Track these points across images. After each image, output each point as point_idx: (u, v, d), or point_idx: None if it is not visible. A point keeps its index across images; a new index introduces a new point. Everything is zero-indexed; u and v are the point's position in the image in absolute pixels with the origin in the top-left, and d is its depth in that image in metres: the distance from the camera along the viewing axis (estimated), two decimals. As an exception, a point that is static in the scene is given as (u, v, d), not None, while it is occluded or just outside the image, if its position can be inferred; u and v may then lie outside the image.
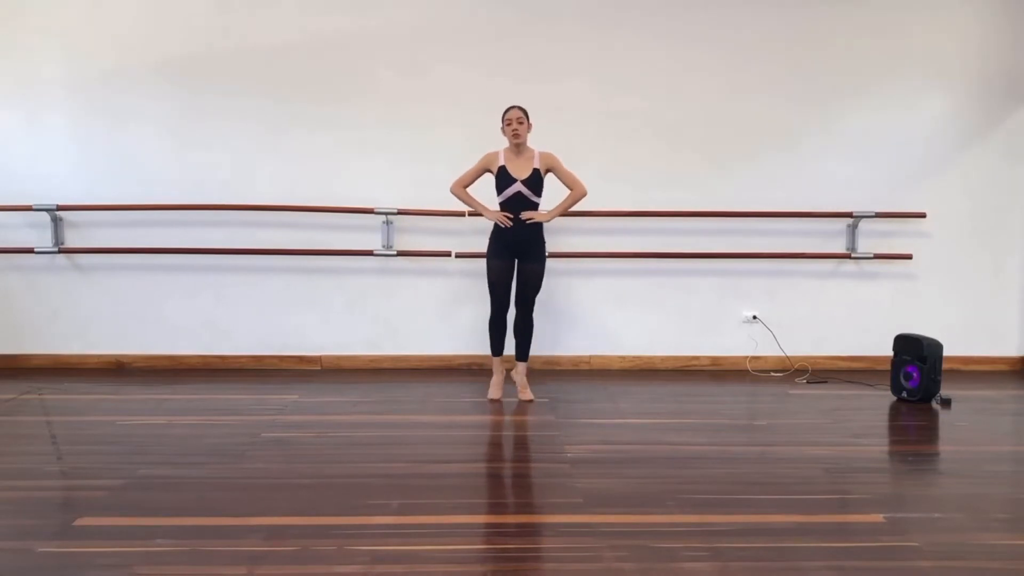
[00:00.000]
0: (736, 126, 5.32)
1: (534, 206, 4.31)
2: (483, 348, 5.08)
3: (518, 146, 4.26)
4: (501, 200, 4.30)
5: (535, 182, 4.26)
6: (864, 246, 5.39)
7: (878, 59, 5.30)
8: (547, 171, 4.30)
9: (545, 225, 4.39)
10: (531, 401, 4.49)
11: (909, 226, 5.40)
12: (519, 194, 4.23)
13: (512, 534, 2.77)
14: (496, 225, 4.33)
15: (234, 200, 5.19)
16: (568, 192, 4.38)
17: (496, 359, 4.60)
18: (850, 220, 5.36)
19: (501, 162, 4.25)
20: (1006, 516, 2.96)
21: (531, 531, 2.79)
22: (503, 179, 4.24)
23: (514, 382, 4.62)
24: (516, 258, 4.37)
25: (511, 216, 4.27)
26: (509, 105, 4.32)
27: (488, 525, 2.86)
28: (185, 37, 5.16)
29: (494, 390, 4.56)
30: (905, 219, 5.37)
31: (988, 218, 5.43)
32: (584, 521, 2.83)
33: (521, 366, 4.59)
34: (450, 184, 4.41)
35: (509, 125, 4.21)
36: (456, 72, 5.23)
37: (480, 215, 4.43)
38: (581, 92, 5.26)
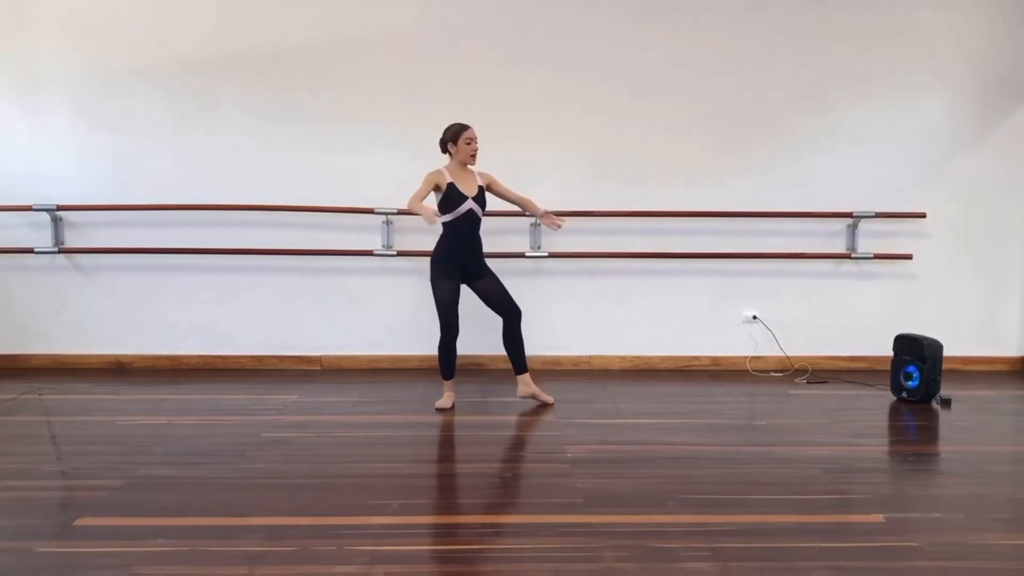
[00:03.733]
0: (736, 126, 5.32)
1: (479, 224, 4.28)
2: (483, 348, 5.09)
3: (464, 165, 4.25)
4: (452, 218, 4.21)
5: (482, 199, 4.26)
6: (864, 246, 5.39)
7: (878, 60, 5.29)
8: (486, 188, 4.29)
9: (544, 225, 4.34)
10: (552, 403, 4.44)
11: (909, 226, 5.39)
12: (471, 211, 4.20)
13: (512, 534, 2.77)
14: (449, 245, 4.24)
15: (234, 200, 5.19)
16: (523, 200, 4.37)
17: (449, 381, 4.42)
18: (850, 220, 5.36)
19: (449, 179, 4.19)
20: (1006, 516, 2.96)
21: (531, 531, 2.79)
22: (455, 197, 4.17)
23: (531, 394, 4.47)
24: (464, 279, 4.30)
25: (463, 239, 4.22)
26: (465, 124, 4.25)
27: (488, 525, 2.87)
28: (185, 37, 5.16)
29: (446, 401, 4.40)
30: (905, 219, 5.37)
31: (988, 218, 5.42)
32: (584, 521, 2.83)
33: (526, 376, 4.46)
34: (408, 201, 4.12)
35: (469, 144, 4.20)
36: (457, 72, 5.22)
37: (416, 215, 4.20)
38: (581, 92, 5.25)
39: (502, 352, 4.90)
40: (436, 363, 5.22)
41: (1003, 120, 5.36)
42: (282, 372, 5.31)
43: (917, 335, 4.67)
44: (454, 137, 4.21)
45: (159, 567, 2.46)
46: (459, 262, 4.27)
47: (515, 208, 4.52)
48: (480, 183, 4.26)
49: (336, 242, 5.28)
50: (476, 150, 4.23)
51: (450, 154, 4.25)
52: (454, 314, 4.29)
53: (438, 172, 4.21)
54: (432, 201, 4.28)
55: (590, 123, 5.27)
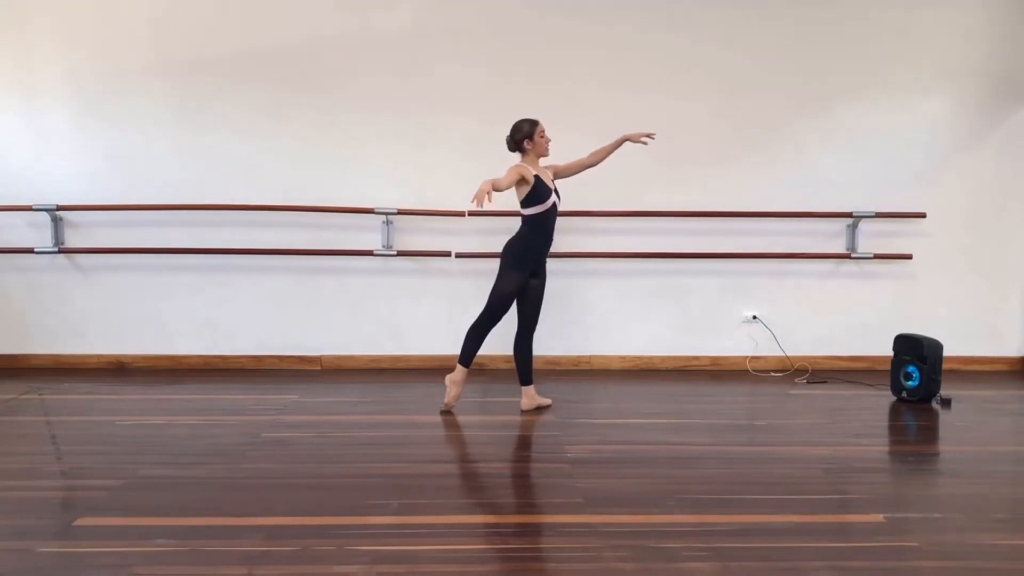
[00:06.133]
0: (736, 126, 5.32)
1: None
2: (484, 348, 5.05)
3: (539, 158, 4.20)
4: (540, 211, 4.13)
5: (558, 192, 4.26)
6: (864, 246, 5.39)
7: (878, 59, 5.30)
8: (555, 178, 4.30)
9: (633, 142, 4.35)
10: (550, 404, 4.43)
11: (909, 226, 5.39)
12: (555, 204, 4.19)
13: (512, 534, 2.76)
14: (533, 238, 4.17)
15: (234, 200, 5.19)
16: (596, 154, 4.36)
17: (464, 369, 4.31)
18: (850, 220, 5.36)
19: (534, 172, 4.13)
20: (1006, 516, 2.96)
21: (531, 531, 2.79)
22: (543, 190, 4.12)
23: (531, 405, 4.39)
24: (530, 274, 4.23)
25: (545, 233, 4.18)
26: (533, 119, 4.17)
27: (488, 525, 2.87)
28: (185, 37, 5.16)
29: (452, 397, 4.31)
30: (905, 219, 5.37)
31: (988, 218, 5.43)
32: (584, 521, 2.83)
33: (531, 389, 4.39)
34: (487, 181, 3.86)
35: (543, 137, 4.16)
36: (457, 72, 5.23)
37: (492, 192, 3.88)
38: (582, 92, 5.25)
39: (503, 352, 4.91)
40: (436, 363, 5.28)
41: (1004, 120, 5.36)
42: (282, 372, 5.31)
43: (917, 335, 4.67)
44: (530, 133, 4.14)
45: (159, 567, 2.46)
46: (536, 256, 4.22)
47: (511, 209, 4.47)
48: (552, 176, 4.26)
49: (336, 242, 5.28)
50: (550, 140, 4.20)
51: (523, 151, 4.18)
52: (508, 307, 4.24)
53: (523, 166, 4.12)
54: (509, 197, 4.21)
55: (590, 124, 5.26)
